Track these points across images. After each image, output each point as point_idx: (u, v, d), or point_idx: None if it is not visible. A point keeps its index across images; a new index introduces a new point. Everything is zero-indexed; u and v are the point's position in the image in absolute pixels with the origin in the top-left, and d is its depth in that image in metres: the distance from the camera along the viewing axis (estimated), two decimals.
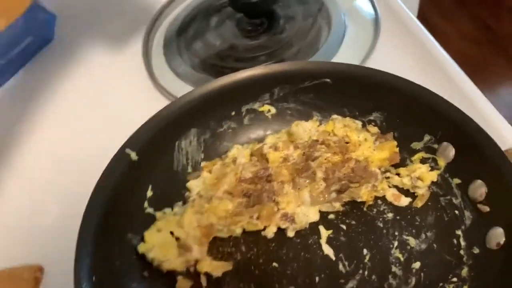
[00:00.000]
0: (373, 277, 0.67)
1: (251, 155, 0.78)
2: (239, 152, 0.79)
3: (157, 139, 0.77)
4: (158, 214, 0.75)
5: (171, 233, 0.72)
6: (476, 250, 0.65)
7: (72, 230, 0.65)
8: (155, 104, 0.81)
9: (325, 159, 0.73)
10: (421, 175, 0.72)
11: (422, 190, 0.72)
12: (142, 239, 0.71)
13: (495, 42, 2.68)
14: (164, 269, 0.69)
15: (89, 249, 0.66)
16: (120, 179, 0.72)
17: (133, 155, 0.74)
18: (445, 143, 0.71)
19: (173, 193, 0.78)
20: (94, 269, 0.64)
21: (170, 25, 1.05)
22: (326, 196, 0.72)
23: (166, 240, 0.72)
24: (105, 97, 1.01)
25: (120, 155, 0.74)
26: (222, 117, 0.82)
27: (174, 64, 1.02)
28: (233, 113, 0.82)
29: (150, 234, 0.72)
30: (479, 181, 0.67)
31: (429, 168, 0.73)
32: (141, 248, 0.70)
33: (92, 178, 0.70)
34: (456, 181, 0.70)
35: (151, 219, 0.74)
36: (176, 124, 0.79)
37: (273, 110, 0.83)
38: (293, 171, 0.74)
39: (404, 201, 0.72)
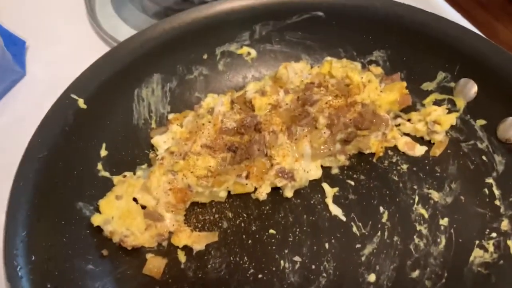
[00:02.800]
0: (395, 238, 0.55)
1: (232, 102, 0.63)
2: (216, 100, 0.64)
3: (111, 84, 0.60)
4: (116, 178, 0.58)
5: (135, 200, 0.56)
6: None
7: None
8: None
9: (326, 103, 0.60)
10: (438, 119, 0.61)
11: (440, 136, 0.61)
12: (97, 210, 0.54)
13: None
14: (128, 245, 0.53)
15: (24, 222, 0.49)
16: (63, 133, 0.55)
17: (81, 103, 0.57)
18: (463, 80, 0.61)
19: (134, 153, 0.62)
20: (32, 247, 0.48)
21: None
22: (331, 147, 0.59)
23: (128, 209, 0.55)
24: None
25: (64, 102, 0.57)
26: (192, 61, 0.67)
27: (123, 10, 0.84)
28: (205, 56, 0.67)
29: (107, 203, 0.55)
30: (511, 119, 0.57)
31: (446, 111, 0.62)
32: (96, 219, 0.53)
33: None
34: (480, 122, 0.60)
35: (107, 185, 0.57)
36: (135, 67, 0.62)
37: (253, 52, 0.69)
38: (288, 118, 0.60)
39: (420, 150, 0.61)
